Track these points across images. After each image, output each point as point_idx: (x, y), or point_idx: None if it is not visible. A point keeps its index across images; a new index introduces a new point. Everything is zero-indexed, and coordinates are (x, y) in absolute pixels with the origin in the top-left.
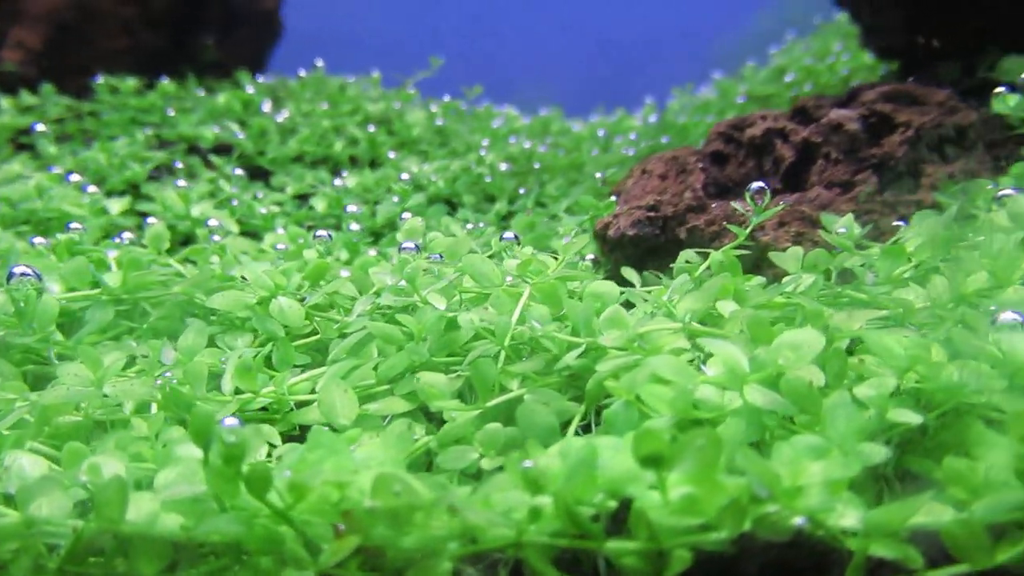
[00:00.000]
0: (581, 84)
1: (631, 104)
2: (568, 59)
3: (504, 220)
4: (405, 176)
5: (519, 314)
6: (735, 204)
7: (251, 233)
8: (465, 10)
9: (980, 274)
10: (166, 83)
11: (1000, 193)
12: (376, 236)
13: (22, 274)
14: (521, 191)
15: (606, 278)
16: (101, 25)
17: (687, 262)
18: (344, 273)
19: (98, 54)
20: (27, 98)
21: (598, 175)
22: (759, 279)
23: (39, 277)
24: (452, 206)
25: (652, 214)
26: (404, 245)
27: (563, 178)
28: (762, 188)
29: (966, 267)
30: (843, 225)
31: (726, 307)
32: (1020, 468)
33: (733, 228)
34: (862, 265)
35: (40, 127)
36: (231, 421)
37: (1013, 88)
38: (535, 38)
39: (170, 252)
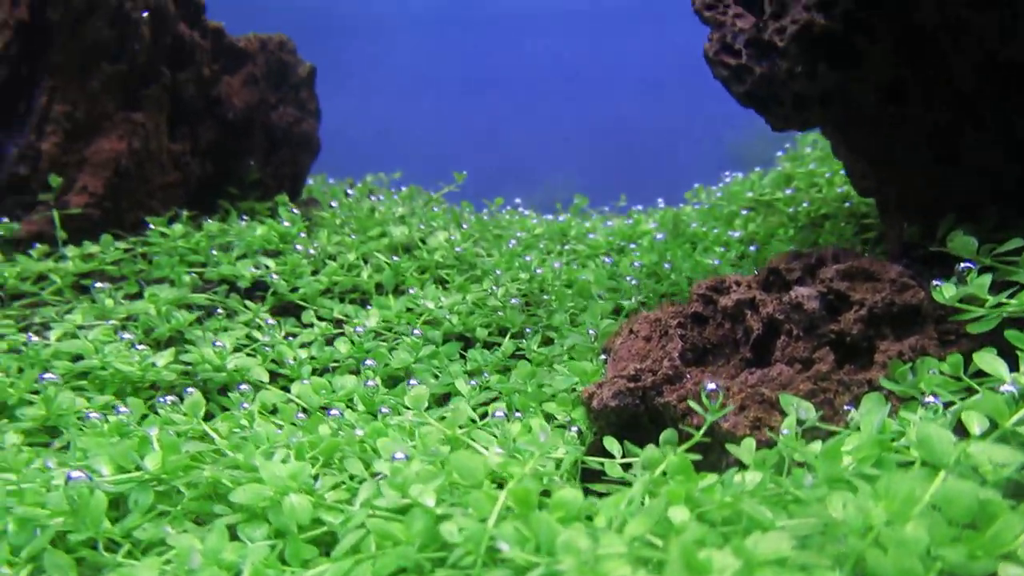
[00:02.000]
0: (604, 172)
1: (652, 192)
2: (592, 148)
3: (512, 357)
4: (428, 304)
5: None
6: (707, 381)
7: (282, 375)
8: (488, 103)
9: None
10: (211, 223)
11: (925, 399)
12: (394, 381)
13: (77, 477)
14: (527, 331)
15: (589, 451)
16: (156, 164)
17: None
18: (358, 432)
19: (152, 188)
20: (89, 246)
21: (597, 318)
22: (711, 478)
23: (90, 478)
24: (467, 340)
25: (632, 384)
26: (395, 456)
27: (572, 302)
28: (715, 390)
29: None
30: (803, 409)
31: (677, 514)
32: None
33: (695, 406)
34: (800, 465)
35: (99, 284)
36: None
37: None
38: (557, 126)
39: (206, 398)
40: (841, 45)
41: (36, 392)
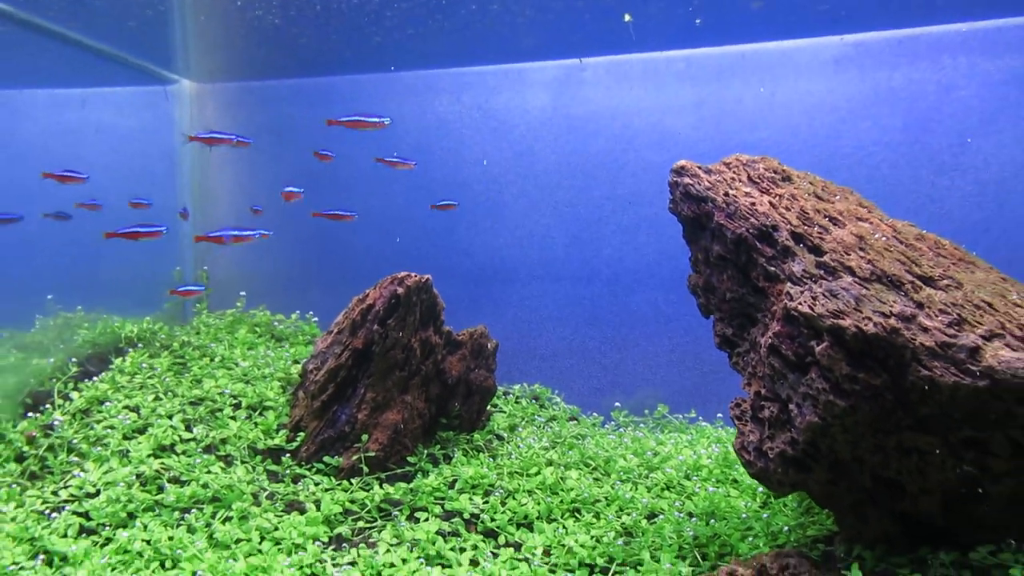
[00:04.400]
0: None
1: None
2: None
3: None
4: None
5: None
6: None
7: None
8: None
9: None
10: (442, 471)
11: None
12: None
13: None
14: None
15: None
16: (412, 420)
17: None
18: None
19: (407, 434)
20: (376, 491)
21: None
22: None
23: None
24: None
25: None
26: None
27: None
28: None
29: None
30: None
31: None
32: None
33: None
34: None
35: (395, 512)
36: None
37: None
38: None
39: None
40: (801, 461)
41: None
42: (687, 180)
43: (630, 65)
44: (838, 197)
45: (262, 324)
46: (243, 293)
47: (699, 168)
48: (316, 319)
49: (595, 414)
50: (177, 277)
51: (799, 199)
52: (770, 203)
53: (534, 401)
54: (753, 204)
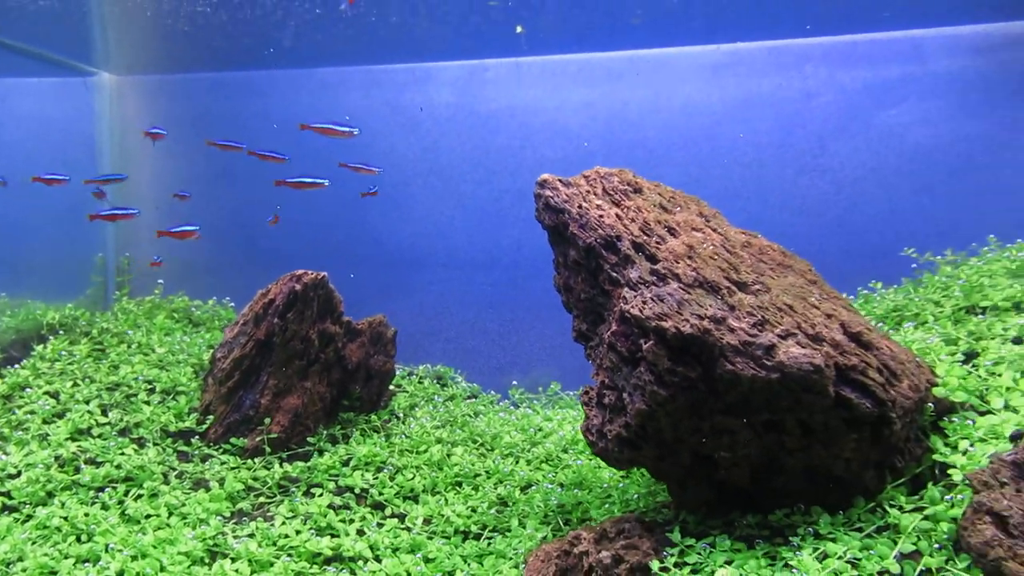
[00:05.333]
0: None
1: None
2: None
3: None
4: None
5: None
6: None
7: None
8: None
9: None
10: (338, 451)
11: None
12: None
13: None
14: None
15: None
16: (312, 404)
17: None
18: None
19: (308, 415)
20: (276, 469)
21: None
22: None
23: None
24: None
25: None
26: None
27: None
28: None
29: None
30: None
31: None
32: None
33: None
34: None
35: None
36: None
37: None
38: None
39: None
40: (634, 442)
41: None
42: (548, 192)
43: (528, 67)
44: (680, 208)
45: (180, 310)
46: (161, 281)
47: (559, 181)
48: (233, 304)
49: (493, 392)
50: (100, 263)
51: (644, 211)
52: (617, 215)
53: (436, 381)
54: (602, 217)
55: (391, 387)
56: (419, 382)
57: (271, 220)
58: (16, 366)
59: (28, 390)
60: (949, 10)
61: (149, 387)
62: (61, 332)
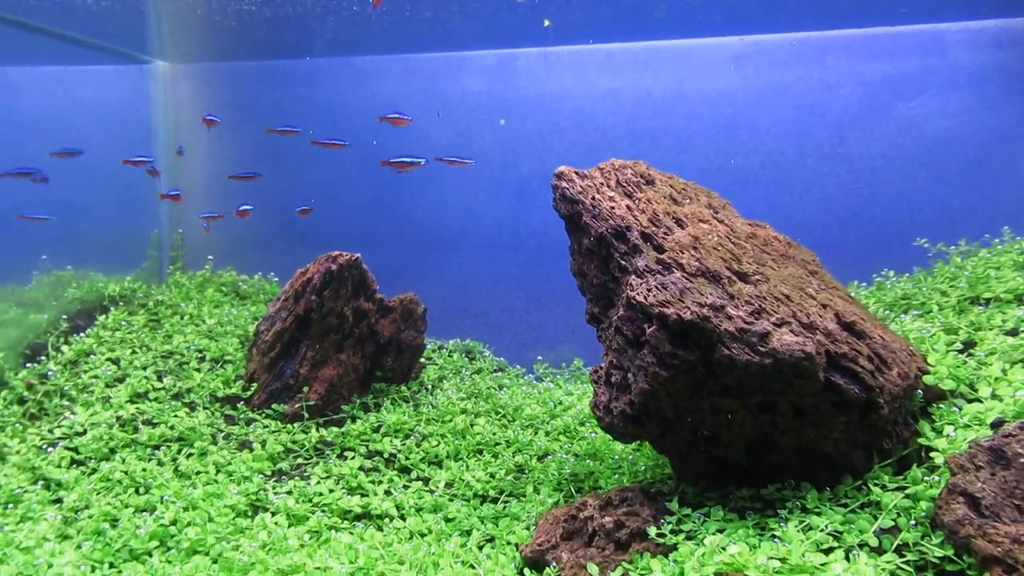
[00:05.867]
0: None
1: None
2: None
3: None
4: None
5: None
6: (563, 552)
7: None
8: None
9: None
10: (369, 418)
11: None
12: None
13: None
14: None
15: None
16: (348, 374)
17: None
18: None
19: (344, 385)
20: (313, 434)
21: None
22: None
23: None
24: None
25: (540, 542)
26: None
27: None
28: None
29: None
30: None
31: None
32: None
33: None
34: None
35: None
36: None
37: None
38: None
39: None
40: (637, 418)
41: None
42: (564, 184)
43: (557, 56)
44: (689, 200)
45: (228, 284)
46: (211, 257)
47: (575, 173)
48: (276, 279)
49: (519, 366)
50: (154, 239)
51: (654, 202)
52: (628, 207)
53: (465, 355)
54: (613, 208)
55: (422, 360)
56: (448, 355)
57: (301, 211)
58: (82, 335)
59: (92, 356)
60: (971, 4)
61: (200, 356)
62: (121, 303)
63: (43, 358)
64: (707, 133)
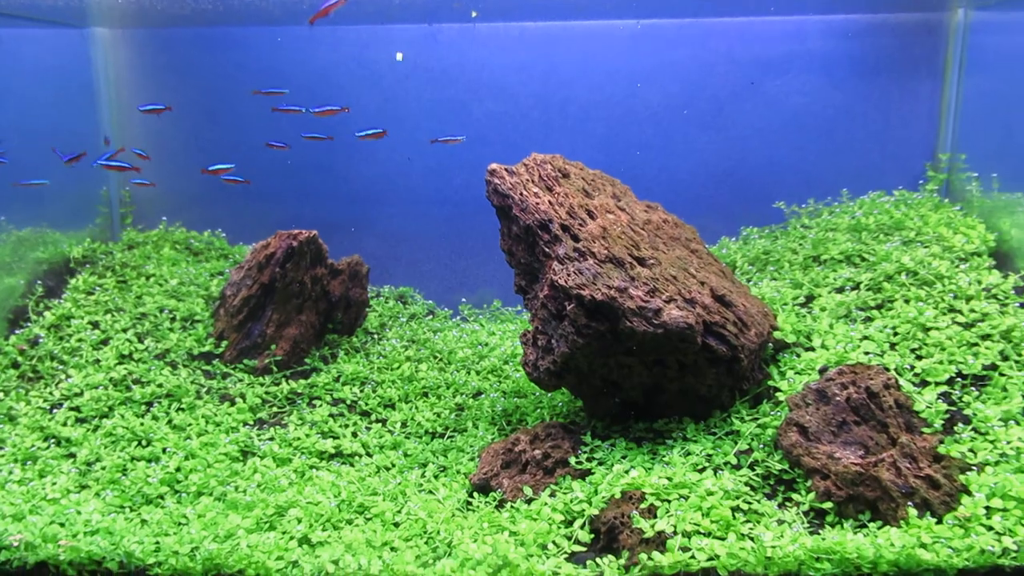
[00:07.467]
0: None
1: None
2: None
3: None
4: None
5: None
6: (505, 479)
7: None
8: None
9: None
10: (330, 370)
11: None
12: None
13: None
14: None
15: None
16: (307, 331)
17: None
18: None
19: (304, 341)
20: (284, 386)
21: None
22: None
23: None
24: None
25: (483, 472)
26: None
27: None
28: (508, 484)
29: None
30: (530, 491)
31: None
32: None
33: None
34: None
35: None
36: None
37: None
38: None
39: None
40: (559, 373)
41: None
42: (496, 180)
43: (476, 32)
44: (598, 192)
45: (180, 241)
46: (164, 218)
47: (504, 170)
48: (224, 235)
49: (446, 308)
50: (104, 196)
51: (570, 196)
52: (549, 201)
53: (399, 300)
54: (538, 204)
55: (365, 310)
56: (385, 302)
57: (209, 170)
58: (60, 300)
59: (73, 320)
60: (827, 1)
61: (171, 317)
62: (88, 265)
63: (28, 324)
64: (607, 104)
